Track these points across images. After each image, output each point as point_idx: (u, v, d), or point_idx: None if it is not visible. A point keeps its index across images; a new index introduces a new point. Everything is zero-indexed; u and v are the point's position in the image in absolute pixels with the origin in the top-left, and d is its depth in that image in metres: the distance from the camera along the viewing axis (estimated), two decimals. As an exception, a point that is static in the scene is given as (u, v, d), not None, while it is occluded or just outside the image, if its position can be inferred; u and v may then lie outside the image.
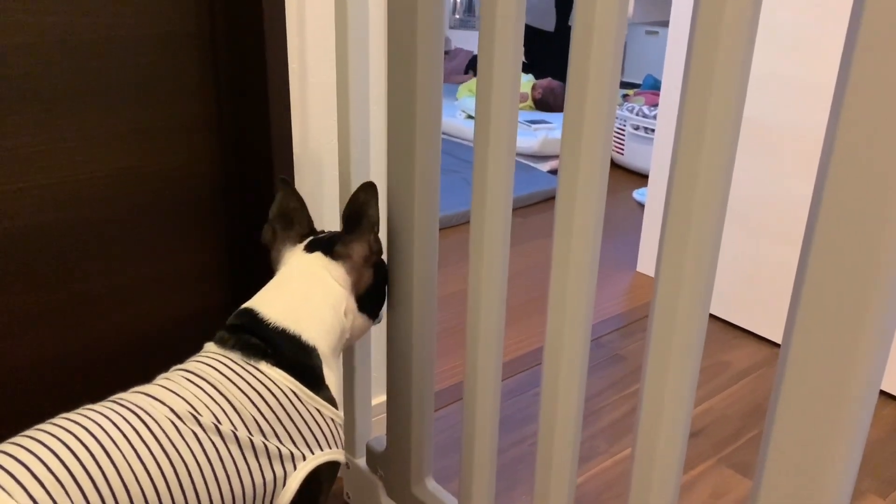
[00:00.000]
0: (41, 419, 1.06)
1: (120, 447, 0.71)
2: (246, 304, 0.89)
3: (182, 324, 1.15)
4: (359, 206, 0.93)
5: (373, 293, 0.97)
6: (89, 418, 0.73)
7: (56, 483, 0.67)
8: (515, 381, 1.67)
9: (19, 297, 0.99)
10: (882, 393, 1.65)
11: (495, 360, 0.91)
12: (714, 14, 0.59)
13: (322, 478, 0.85)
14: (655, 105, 3.00)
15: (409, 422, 1.07)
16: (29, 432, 0.72)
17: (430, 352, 1.03)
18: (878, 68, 0.50)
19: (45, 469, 0.67)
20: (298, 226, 0.97)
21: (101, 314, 1.07)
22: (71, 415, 0.74)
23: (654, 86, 3.50)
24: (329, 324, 0.89)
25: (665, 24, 2.14)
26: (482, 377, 0.93)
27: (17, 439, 0.71)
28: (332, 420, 0.86)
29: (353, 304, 0.93)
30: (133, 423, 0.73)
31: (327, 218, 1.19)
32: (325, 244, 0.93)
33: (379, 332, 1.22)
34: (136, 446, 0.72)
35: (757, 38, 0.60)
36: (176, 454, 0.73)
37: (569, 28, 0.75)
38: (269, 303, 0.88)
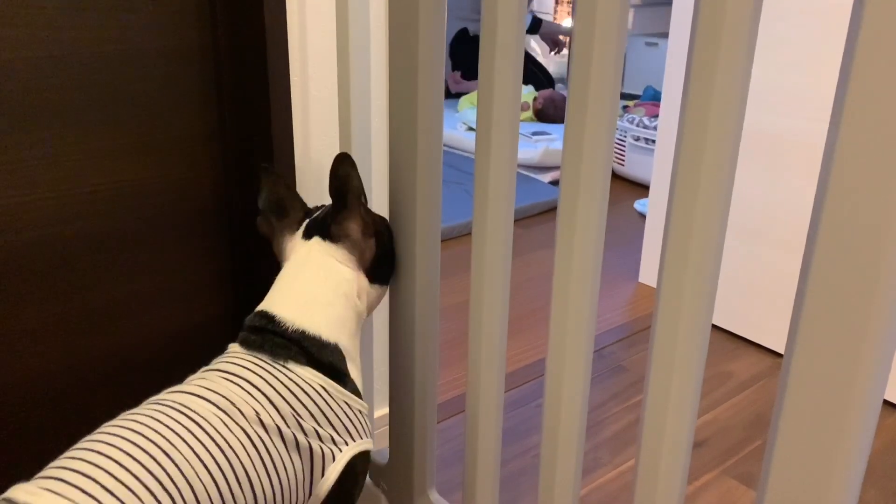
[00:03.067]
0: (46, 431, 1.06)
1: (178, 448, 0.72)
2: (262, 308, 0.89)
3: (187, 335, 1.15)
4: (340, 182, 0.90)
5: (381, 261, 0.95)
6: (142, 423, 0.73)
7: (128, 492, 0.67)
8: (518, 392, 1.67)
9: (23, 310, 1.00)
10: (885, 403, 1.64)
11: (498, 372, 0.91)
12: (714, 25, 0.60)
13: (357, 469, 0.87)
14: (656, 116, 3.01)
15: (411, 434, 1.07)
16: (84, 445, 0.71)
17: (433, 363, 1.02)
18: (878, 78, 0.50)
19: (113, 480, 0.67)
20: (293, 211, 0.96)
21: (106, 326, 1.07)
22: (120, 421, 0.74)
23: (654, 97, 3.51)
24: (343, 315, 0.90)
25: (665, 35, 2.14)
26: (485, 389, 0.93)
27: (74, 453, 0.70)
28: (360, 412, 0.88)
29: (364, 282, 0.93)
30: (185, 424, 0.74)
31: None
32: (321, 226, 0.92)
33: (382, 343, 1.22)
34: (192, 445, 0.72)
35: (757, 48, 0.60)
36: (229, 449, 0.75)
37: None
38: (284, 304, 0.88)
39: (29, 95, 0.93)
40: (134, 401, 1.14)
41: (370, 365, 1.17)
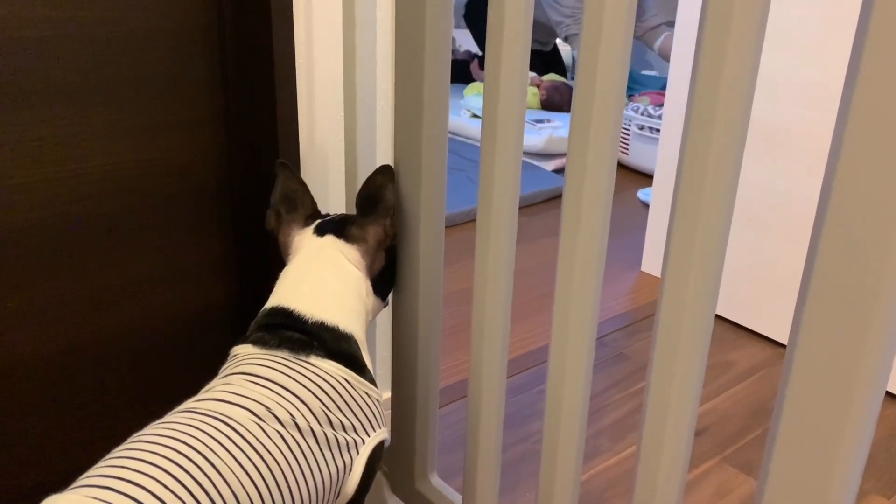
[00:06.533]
0: (50, 411, 1.06)
1: (220, 456, 0.71)
2: (276, 304, 0.88)
3: (191, 317, 1.15)
4: (375, 189, 0.92)
5: (385, 276, 0.97)
6: (181, 431, 0.72)
7: (176, 499, 0.66)
8: (520, 378, 1.67)
9: (28, 290, 1.00)
10: (886, 393, 1.64)
11: (500, 358, 0.91)
12: (723, 14, 0.59)
13: (375, 459, 0.87)
14: (660, 105, 2.99)
15: (413, 418, 1.07)
16: (122, 453, 0.70)
17: (436, 349, 1.03)
18: (887, 68, 0.50)
19: (161, 487, 0.66)
20: (302, 207, 0.96)
21: (110, 307, 1.08)
22: (156, 429, 0.73)
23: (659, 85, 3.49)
24: (356, 308, 0.90)
25: (670, 24, 2.13)
26: (487, 374, 0.93)
27: (114, 461, 0.69)
28: (377, 401, 0.89)
29: (369, 286, 0.93)
30: (224, 431, 0.73)
31: (332, 212, 1.19)
32: (336, 226, 0.93)
33: (384, 329, 1.23)
34: (233, 453, 0.72)
35: (765, 37, 0.60)
36: (269, 455, 0.74)
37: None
38: (298, 298, 0.88)
39: (34, 75, 0.93)
40: (137, 382, 1.14)
41: (373, 350, 1.18)
